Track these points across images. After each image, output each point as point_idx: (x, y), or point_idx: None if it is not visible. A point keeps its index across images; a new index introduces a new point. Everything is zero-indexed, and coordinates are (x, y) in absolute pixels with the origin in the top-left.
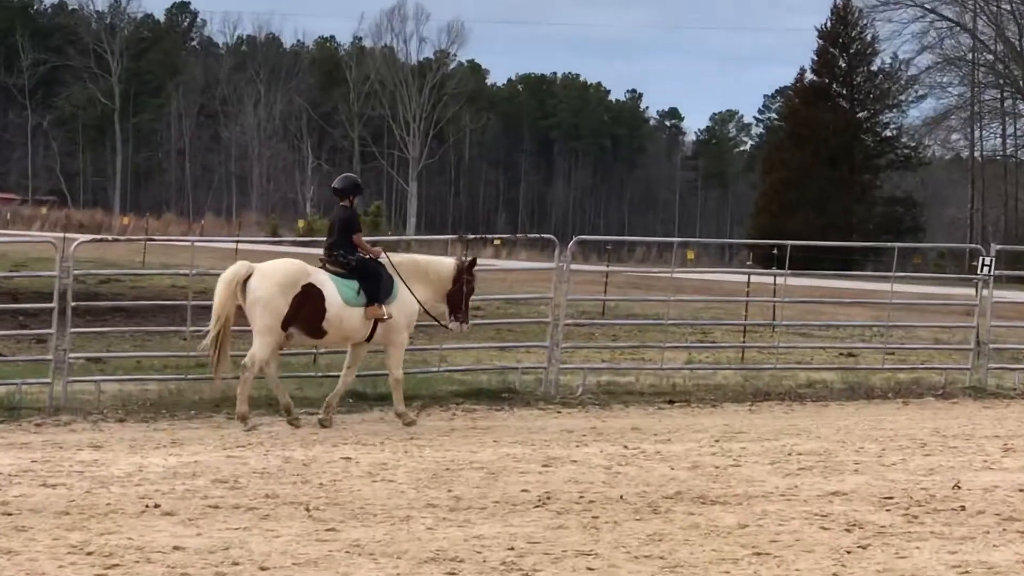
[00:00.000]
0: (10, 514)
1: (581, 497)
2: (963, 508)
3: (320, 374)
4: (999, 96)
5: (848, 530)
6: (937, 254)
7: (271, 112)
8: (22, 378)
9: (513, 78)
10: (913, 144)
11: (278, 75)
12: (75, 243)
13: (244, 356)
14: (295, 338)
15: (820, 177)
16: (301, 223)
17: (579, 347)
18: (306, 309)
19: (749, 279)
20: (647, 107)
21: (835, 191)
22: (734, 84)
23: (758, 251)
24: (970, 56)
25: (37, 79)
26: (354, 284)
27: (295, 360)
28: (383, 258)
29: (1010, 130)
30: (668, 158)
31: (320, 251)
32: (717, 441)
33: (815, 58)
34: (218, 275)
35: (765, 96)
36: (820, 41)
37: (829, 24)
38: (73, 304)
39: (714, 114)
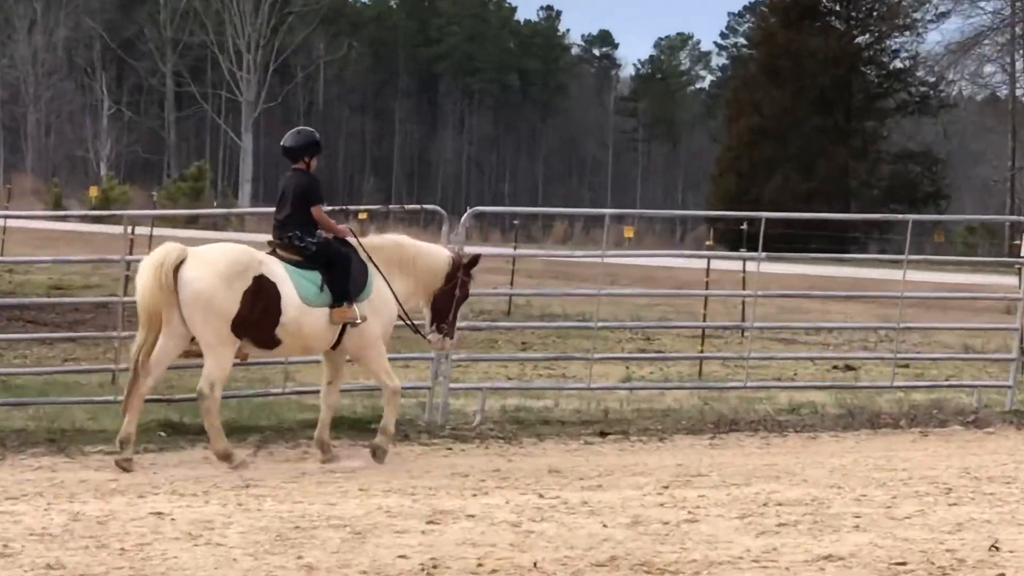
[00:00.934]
0: None
1: (480, 566)
2: None
3: (116, 397)
4: None
5: None
6: (966, 229)
7: (51, 39)
8: None
9: None
10: (932, 80)
11: None
12: None
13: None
14: (244, 348)
15: (806, 126)
16: (94, 191)
17: (477, 359)
18: (258, 309)
19: (709, 265)
20: (567, 30)
21: (826, 145)
22: None
23: (721, 227)
24: None
25: None
26: (315, 276)
27: (87, 380)
28: (352, 241)
29: None
30: (597, 101)
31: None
32: (666, 487)
33: None
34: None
35: (730, 15)
36: None
37: None
38: None
39: (659, 40)
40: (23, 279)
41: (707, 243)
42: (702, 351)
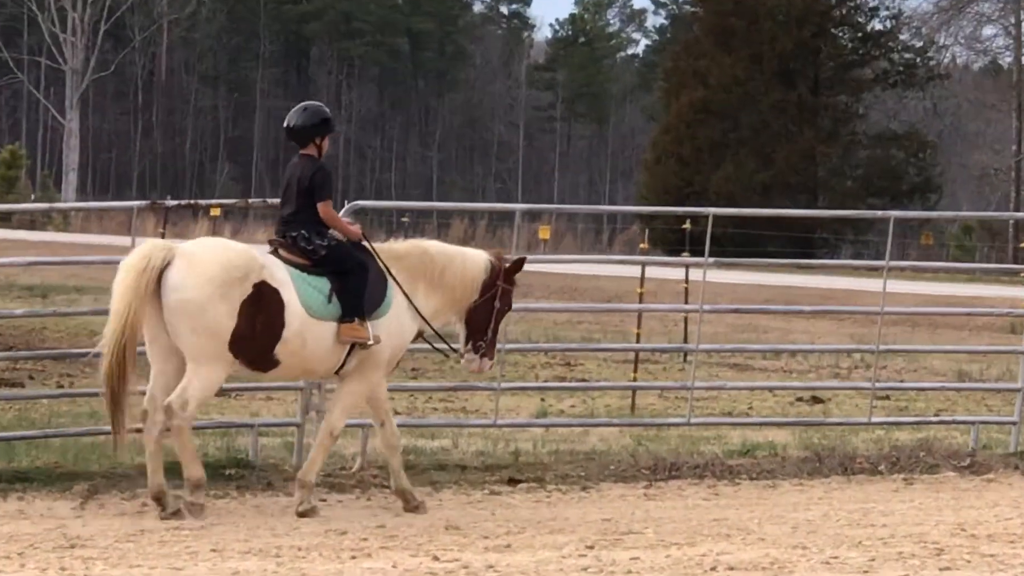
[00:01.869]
0: None
1: None
2: None
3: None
4: None
5: None
6: (961, 229)
7: None
8: None
9: None
10: (919, 45)
11: None
12: None
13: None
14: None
15: (763, 101)
16: None
17: None
18: (259, 323)
19: (644, 273)
20: None
21: (788, 125)
22: None
23: (659, 226)
24: None
25: None
26: (323, 284)
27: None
28: (368, 246)
29: None
30: (506, 71)
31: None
32: (591, 548)
33: None
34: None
35: None
36: None
37: None
38: None
39: None
40: None
41: (641, 246)
42: (635, 379)
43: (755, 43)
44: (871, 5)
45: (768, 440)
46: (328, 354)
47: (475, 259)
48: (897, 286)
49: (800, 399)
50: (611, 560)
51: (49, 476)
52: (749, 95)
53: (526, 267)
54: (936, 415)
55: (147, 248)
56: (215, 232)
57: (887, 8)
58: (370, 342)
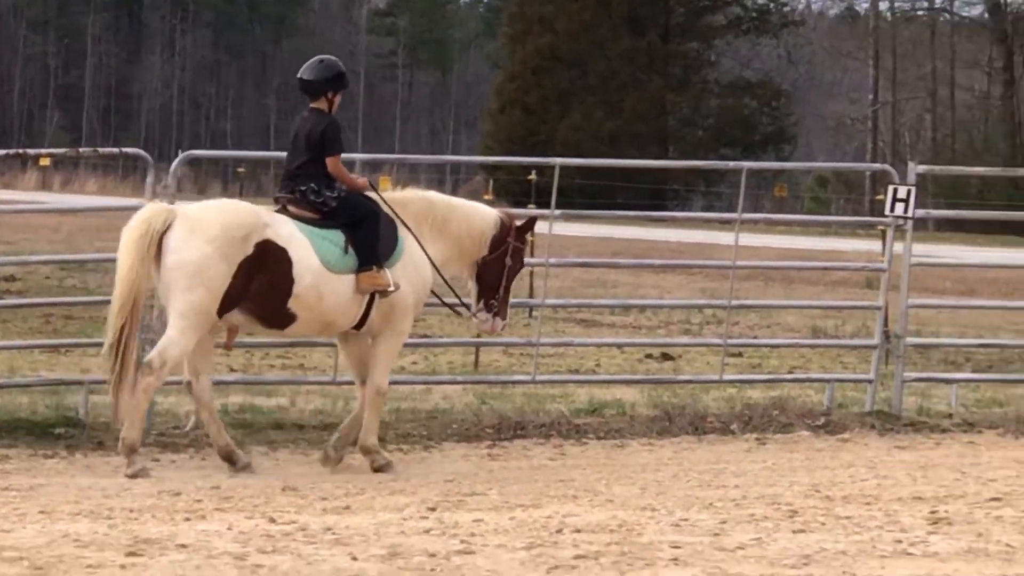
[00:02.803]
0: None
1: None
2: None
3: None
4: None
5: None
6: (815, 180)
7: None
8: None
9: None
10: None
11: None
12: None
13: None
14: (244, 329)
15: (611, 48)
16: None
17: None
18: (261, 281)
19: None
20: None
21: (637, 73)
22: None
23: (503, 176)
24: None
25: None
26: (337, 237)
27: None
28: (373, 196)
29: None
30: (345, 16)
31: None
32: (433, 510)
33: None
34: None
35: None
36: None
37: None
38: None
39: None
40: None
41: (485, 196)
42: (479, 336)
43: None
44: None
45: (616, 398)
46: (347, 306)
47: (482, 213)
48: (750, 239)
49: (649, 356)
50: (454, 522)
51: None
52: (597, 42)
53: None
54: (790, 373)
55: (148, 211)
56: (44, 183)
57: None
58: (391, 288)
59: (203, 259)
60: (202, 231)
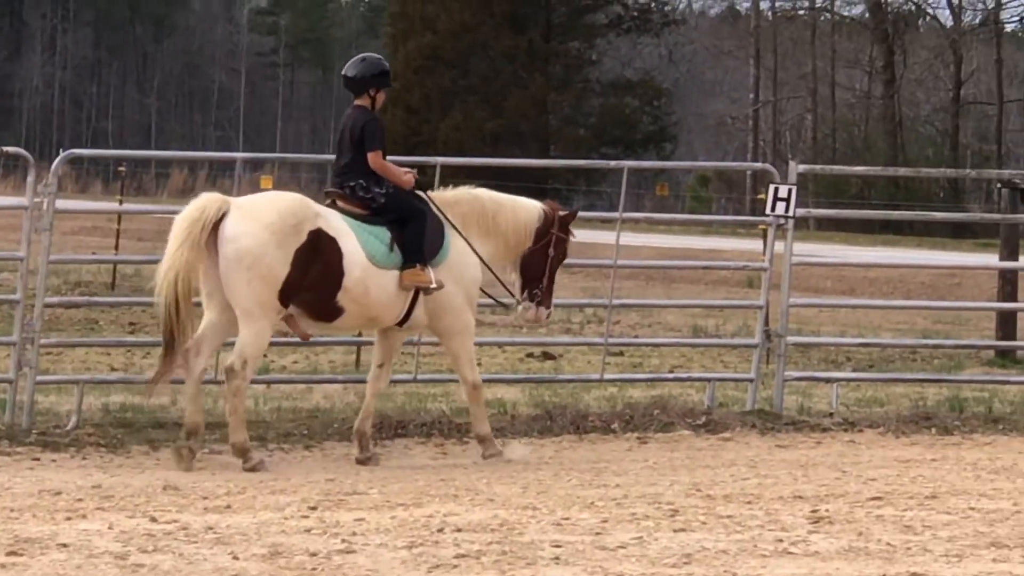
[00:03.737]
0: None
1: None
2: None
3: None
4: None
5: None
6: (697, 180)
7: None
8: None
9: None
10: None
11: None
12: None
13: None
14: (294, 321)
15: (493, 48)
16: None
17: (72, 344)
18: (316, 271)
19: None
20: None
21: (519, 72)
22: None
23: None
24: None
25: None
26: (383, 233)
27: None
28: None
29: None
30: (227, 15)
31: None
32: (314, 509)
33: None
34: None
35: None
36: None
37: None
38: None
39: None
40: None
41: None
42: (359, 334)
43: None
44: None
45: (498, 397)
46: (392, 302)
47: (527, 206)
48: (631, 238)
49: (531, 355)
50: (335, 521)
51: None
52: (479, 41)
53: None
54: (671, 372)
55: (202, 200)
56: None
57: None
58: (432, 286)
59: (259, 247)
60: (257, 219)
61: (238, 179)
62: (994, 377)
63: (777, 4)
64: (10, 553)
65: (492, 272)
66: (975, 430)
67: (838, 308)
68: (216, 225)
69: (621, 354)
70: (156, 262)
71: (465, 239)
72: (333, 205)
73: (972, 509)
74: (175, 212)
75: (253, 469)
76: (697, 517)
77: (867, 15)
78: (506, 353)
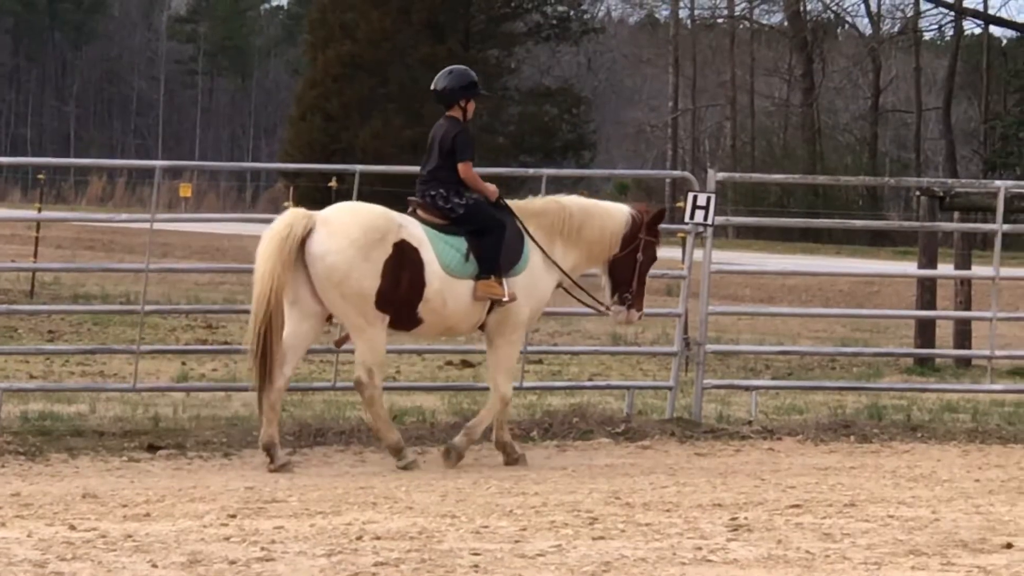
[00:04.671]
0: None
1: None
2: None
3: None
4: None
5: None
6: (616, 187)
7: None
8: None
9: None
10: None
11: None
12: None
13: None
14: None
15: (411, 55)
16: None
17: None
18: (404, 281)
19: None
20: None
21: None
22: None
23: (304, 183)
24: None
25: None
26: (460, 243)
27: None
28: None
29: None
30: (146, 22)
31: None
32: (233, 517)
33: None
34: None
35: None
36: None
37: None
38: None
39: None
40: None
41: (285, 204)
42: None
43: None
44: None
45: (416, 405)
46: (468, 312)
47: (615, 215)
48: None
49: (450, 363)
50: (254, 529)
51: None
52: (398, 49)
53: (166, 226)
54: (590, 380)
55: (289, 216)
56: None
57: None
58: (505, 299)
59: (346, 263)
60: (343, 235)
61: (157, 187)
62: (912, 385)
63: (696, 12)
64: None
65: (574, 282)
66: (894, 438)
67: (757, 316)
68: (303, 241)
69: (540, 362)
70: (75, 270)
71: (544, 252)
72: (413, 214)
73: (891, 517)
74: (94, 220)
75: (407, 467)
76: (616, 525)
77: (786, 23)
78: (425, 361)
